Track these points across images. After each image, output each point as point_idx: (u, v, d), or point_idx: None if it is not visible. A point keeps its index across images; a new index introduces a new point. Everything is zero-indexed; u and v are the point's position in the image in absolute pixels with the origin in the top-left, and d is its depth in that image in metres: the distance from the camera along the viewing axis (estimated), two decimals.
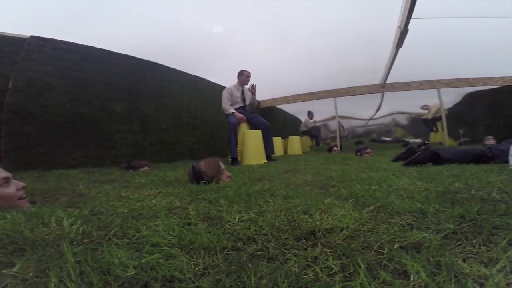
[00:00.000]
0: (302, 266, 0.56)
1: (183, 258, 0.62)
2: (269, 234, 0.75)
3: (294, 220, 0.86)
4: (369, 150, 4.30)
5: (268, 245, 0.67)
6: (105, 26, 3.92)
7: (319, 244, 0.68)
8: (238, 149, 3.86)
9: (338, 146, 6.49)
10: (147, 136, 4.24)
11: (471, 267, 0.52)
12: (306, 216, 0.89)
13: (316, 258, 0.60)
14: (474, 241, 0.63)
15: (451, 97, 6.50)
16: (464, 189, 1.13)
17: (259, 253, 0.64)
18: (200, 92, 5.52)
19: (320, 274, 0.53)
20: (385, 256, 0.58)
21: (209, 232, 0.77)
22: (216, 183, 1.62)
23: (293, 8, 4.07)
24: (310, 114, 7.87)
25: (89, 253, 0.62)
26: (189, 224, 0.86)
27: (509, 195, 0.99)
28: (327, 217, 0.87)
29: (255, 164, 3.33)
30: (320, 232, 0.74)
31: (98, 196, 1.38)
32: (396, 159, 2.69)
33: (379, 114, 7.36)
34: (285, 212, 0.95)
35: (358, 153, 4.31)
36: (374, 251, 0.61)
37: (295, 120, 8.35)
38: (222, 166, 1.76)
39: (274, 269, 0.55)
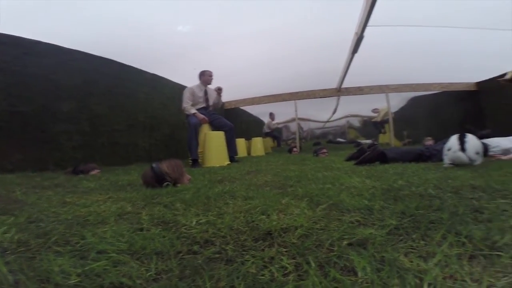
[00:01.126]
0: (259, 267, 0.57)
1: (133, 264, 0.59)
2: (228, 236, 0.75)
3: (253, 221, 0.86)
4: (324, 150, 4.53)
5: (226, 247, 0.67)
6: (59, 21, 3.54)
7: (275, 244, 0.69)
8: (199, 151, 3.77)
9: (298, 147, 6.74)
10: (98, 138, 3.91)
11: (412, 261, 0.55)
12: (264, 216, 0.90)
13: (272, 258, 0.61)
14: (414, 236, 0.68)
15: (397, 101, 7.20)
16: (406, 186, 1.25)
17: (216, 255, 0.64)
18: (159, 91, 5.28)
19: (275, 274, 0.54)
20: (335, 253, 0.61)
21: (163, 237, 0.74)
22: (175, 186, 1.57)
23: (260, 12, 4.12)
24: (272, 116, 8.07)
25: (25, 261, 0.58)
26: (141, 230, 0.83)
27: (443, 191, 1.11)
28: (284, 217, 0.89)
29: (217, 166, 3.29)
30: (277, 232, 0.76)
31: (38, 203, 1.25)
32: (348, 159, 2.89)
33: (335, 116, 7.84)
34: (245, 213, 0.95)
35: (315, 154, 4.52)
36: (326, 249, 0.64)
37: (258, 122, 8.47)
38: (184, 169, 1.71)
39: (232, 271, 0.55)
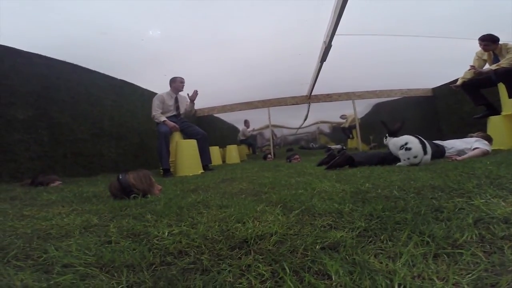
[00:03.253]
0: (236, 275, 0.57)
1: (103, 277, 0.57)
2: (203, 246, 0.73)
3: (228, 230, 0.85)
4: (297, 156, 4.64)
5: (202, 257, 0.66)
6: (18, 23, 3.24)
7: (252, 252, 0.69)
8: (170, 159, 3.66)
9: (272, 154, 6.82)
10: (59, 147, 3.64)
11: (381, 262, 0.57)
12: (240, 224, 0.90)
13: (249, 266, 0.61)
14: (381, 237, 0.70)
15: (363, 108, 7.61)
16: (372, 188, 1.30)
17: (191, 266, 0.62)
18: (127, 98, 5.06)
19: (253, 282, 0.53)
20: (309, 258, 0.62)
21: (134, 249, 0.71)
22: (145, 197, 1.50)
23: (234, 21, 4.15)
24: (247, 123, 8.10)
25: None
26: (110, 242, 0.79)
27: (406, 192, 1.17)
28: (259, 224, 0.90)
29: (190, 175, 3.22)
30: (252, 240, 0.76)
31: None
32: (319, 164, 2.98)
33: (306, 123, 8.07)
34: (219, 222, 0.94)
35: (288, 160, 4.61)
36: (300, 254, 0.65)
37: (233, 129, 8.44)
38: (153, 179, 1.64)
39: (208, 281, 0.54)
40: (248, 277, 0.56)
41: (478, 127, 3.67)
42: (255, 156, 7.54)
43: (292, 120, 8.22)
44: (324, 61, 4.65)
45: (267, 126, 7.82)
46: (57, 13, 3.33)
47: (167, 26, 4.25)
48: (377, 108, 7.62)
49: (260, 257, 0.66)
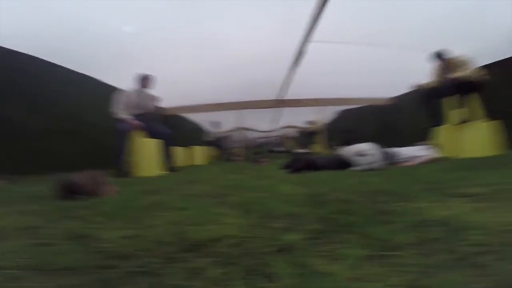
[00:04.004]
0: (186, 278, 0.56)
1: (39, 279, 0.54)
2: (154, 248, 0.71)
3: (184, 232, 0.83)
4: (265, 159, 4.70)
5: (151, 260, 0.64)
6: None
7: (206, 254, 0.68)
8: (131, 159, 3.48)
9: (240, 156, 6.82)
10: (5, 143, 3.27)
11: (329, 265, 0.58)
12: (197, 227, 0.88)
13: (201, 268, 0.60)
14: (333, 239, 0.73)
15: (329, 114, 7.98)
16: (330, 192, 1.35)
17: (138, 269, 0.60)
18: (89, 93, 4.73)
19: (203, 285, 0.53)
20: (262, 261, 0.62)
21: (76, 252, 0.68)
22: (96, 198, 1.41)
23: (209, 21, 4.08)
24: (216, 125, 7.99)
25: None
26: (52, 245, 0.74)
27: (359, 196, 1.22)
28: (217, 227, 0.89)
29: (152, 176, 3.08)
30: (208, 243, 0.75)
31: None
32: (284, 167, 3.05)
33: (275, 127, 8.22)
34: (175, 224, 0.92)
35: (256, 163, 4.65)
36: (254, 257, 0.65)
37: (201, 130, 8.28)
38: (105, 179, 1.54)
39: (155, 284, 0.53)
40: (199, 280, 0.55)
41: (427, 136, 4.03)
42: (222, 158, 7.46)
43: (261, 124, 8.33)
44: (297, 67, 4.80)
45: (236, 128, 7.81)
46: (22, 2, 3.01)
47: (142, 22, 4.08)
48: (342, 115, 8.03)
49: (214, 259, 0.65)
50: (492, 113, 3.40)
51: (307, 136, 8.15)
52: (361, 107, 7.80)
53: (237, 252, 0.68)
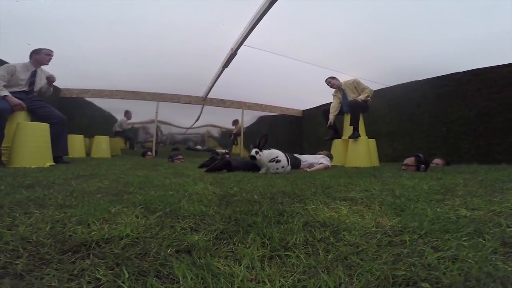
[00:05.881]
0: (63, 280, 0.51)
1: None
2: (20, 249, 0.62)
3: (63, 232, 0.74)
4: (180, 156, 4.52)
5: (16, 261, 0.57)
6: None
7: (91, 256, 0.63)
8: (5, 145, 2.76)
9: (154, 151, 6.33)
10: None
11: (228, 265, 0.58)
12: (81, 226, 0.78)
13: (83, 270, 0.55)
14: (234, 239, 0.74)
15: (249, 117, 8.29)
16: (239, 192, 1.40)
17: (1, 271, 0.53)
18: None
19: (85, 287, 0.49)
20: (160, 261, 0.60)
21: None
22: None
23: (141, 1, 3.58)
24: (128, 114, 7.12)
25: None
26: None
27: (263, 197, 1.30)
28: (108, 226, 0.80)
29: (33, 167, 2.51)
30: (95, 243, 0.68)
31: None
32: (201, 166, 3.01)
33: (197, 124, 8.00)
34: (54, 223, 0.80)
35: (171, 159, 4.41)
36: (151, 257, 0.62)
37: (108, 118, 7.25)
38: None
39: (22, 286, 0.48)
40: (79, 282, 0.50)
41: (326, 147, 4.72)
42: (132, 152, 6.75)
43: (182, 119, 7.93)
44: (226, 67, 4.80)
45: (152, 121, 7.22)
46: None
47: None
48: (260, 120, 8.50)
49: (101, 261, 0.60)
50: (369, 132, 4.25)
51: (228, 137, 8.26)
52: (276, 115, 8.47)
53: (130, 253, 0.64)
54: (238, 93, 7.27)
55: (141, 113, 7.25)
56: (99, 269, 0.55)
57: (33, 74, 3.16)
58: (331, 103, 4.59)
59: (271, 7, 3.14)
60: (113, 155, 5.68)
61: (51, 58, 3.26)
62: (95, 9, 3.65)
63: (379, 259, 0.64)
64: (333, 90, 4.56)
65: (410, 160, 2.84)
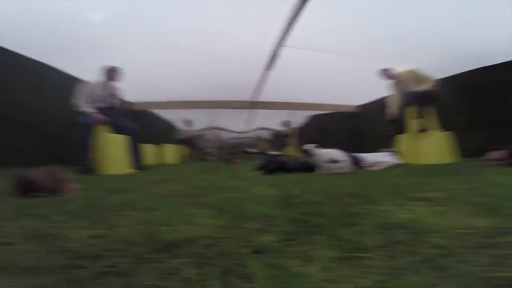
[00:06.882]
0: (159, 278, 0.54)
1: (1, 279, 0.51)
2: (123, 249, 0.68)
3: (154, 233, 0.81)
4: (237, 160, 4.70)
5: (120, 260, 0.62)
6: None
7: (179, 255, 0.67)
8: (95, 156, 3.27)
9: (213, 156, 6.74)
10: None
11: (300, 266, 0.59)
12: (168, 227, 0.86)
13: (175, 269, 0.59)
14: (302, 241, 0.74)
15: (300, 118, 8.19)
16: (300, 194, 1.39)
17: (108, 269, 0.57)
18: (47, 83, 4.36)
19: (178, 285, 0.52)
20: (236, 261, 0.62)
21: (38, 252, 0.64)
22: (56, 195, 1.31)
23: (183, 15, 3.95)
24: (189, 123, 7.79)
25: None
26: (9, 244, 0.69)
27: (327, 198, 1.27)
28: (189, 227, 0.87)
29: (117, 174, 2.92)
30: (180, 243, 0.73)
31: None
32: (257, 169, 3.08)
33: (248, 128, 8.26)
34: (145, 225, 0.89)
35: (229, 163, 4.63)
36: (228, 258, 0.65)
37: (172, 128, 8.02)
38: (66, 176, 1.44)
39: (126, 284, 0.51)
40: (172, 280, 0.54)
41: (389, 144, 4.33)
42: (194, 158, 7.31)
43: (235, 124, 8.30)
44: (271, 69, 4.86)
45: (209, 128, 7.71)
46: None
47: (110, 11, 3.83)
48: (312, 119, 8.30)
49: (188, 260, 0.64)
50: (444, 124, 3.75)
51: (279, 138, 8.29)
52: (330, 113, 8.13)
53: (211, 253, 0.68)
54: (286, 94, 7.24)
55: (199, 121, 7.83)
56: (187, 268, 0.59)
57: (109, 90, 3.67)
58: (389, 96, 4.23)
59: (305, 2, 3.04)
60: (179, 161, 6.23)
61: (120, 75, 3.74)
62: (154, 34, 4.08)
63: (472, 261, 0.57)
64: (389, 82, 4.19)
65: (500, 154, 2.42)
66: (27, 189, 1.27)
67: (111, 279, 0.54)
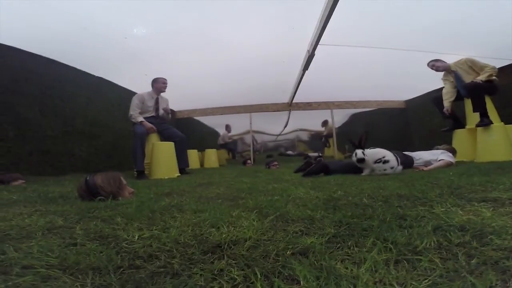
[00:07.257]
0: (208, 279, 0.57)
1: (66, 279, 0.55)
2: (174, 250, 0.72)
3: (202, 234, 0.85)
4: (275, 163, 4.70)
5: (172, 261, 0.65)
6: None
7: (225, 256, 0.69)
8: (146, 162, 3.56)
9: (252, 159, 6.84)
10: (25, 144, 3.42)
11: (346, 268, 0.58)
12: (214, 229, 0.89)
13: (221, 270, 0.61)
14: (349, 243, 0.72)
15: (340, 117, 7.87)
16: (344, 196, 1.35)
17: (161, 269, 0.61)
18: (103, 96, 4.88)
19: (225, 286, 0.54)
20: (280, 263, 0.63)
21: (100, 252, 0.69)
22: (115, 199, 1.45)
23: (220, 21, 4.14)
24: (228, 128, 8.07)
25: None
26: (75, 245, 0.76)
27: (375, 200, 1.21)
28: (234, 229, 0.90)
29: (166, 178, 3.14)
30: (226, 245, 0.76)
31: None
32: (296, 171, 3.05)
33: (286, 130, 8.20)
34: (193, 226, 0.93)
35: (267, 166, 4.65)
36: (272, 259, 0.66)
37: (213, 133, 8.36)
38: (124, 182, 1.59)
39: (178, 284, 0.54)
40: (220, 281, 0.56)
41: (444, 140, 3.92)
42: (234, 161, 7.51)
43: (272, 127, 8.30)
44: (307, 69, 4.77)
45: (248, 132, 7.85)
46: (34, 2, 3.15)
47: (152, 25, 4.17)
48: (353, 118, 7.92)
49: (233, 261, 0.66)
50: (504, 117, 3.28)
51: (318, 139, 8.09)
52: (372, 110, 7.68)
53: (256, 254, 0.69)
54: (324, 94, 7.02)
55: (238, 125, 8.03)
56: (233, 269, 0.61)
57: (157, 101, 3.97)
58: (442, 88, 3.84)
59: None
60: (220, 165, 6.45)
61: (166, 86, 4.01)
62: (183, 40, 4.29)
63: None
64: (442, 74, 3.81)
65: None
66: (91, 193, 1.44)
67: (165, 279, 0.57)
